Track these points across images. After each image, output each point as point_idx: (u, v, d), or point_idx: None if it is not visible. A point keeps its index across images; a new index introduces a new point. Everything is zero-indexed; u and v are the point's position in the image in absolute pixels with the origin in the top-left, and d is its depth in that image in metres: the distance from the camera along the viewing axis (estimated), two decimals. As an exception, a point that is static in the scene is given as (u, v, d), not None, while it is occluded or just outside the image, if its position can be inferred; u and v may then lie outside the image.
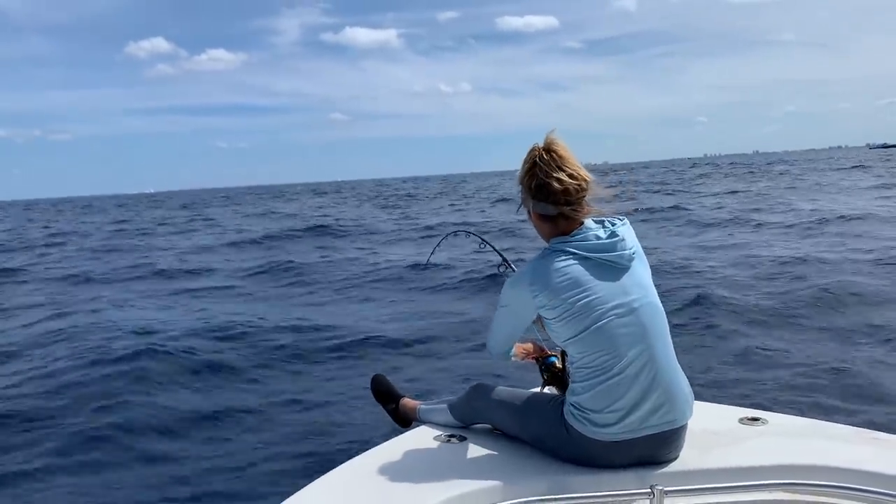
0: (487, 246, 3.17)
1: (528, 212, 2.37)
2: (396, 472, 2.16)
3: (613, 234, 2.24)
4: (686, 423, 2.26)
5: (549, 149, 2.27)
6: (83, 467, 5.24)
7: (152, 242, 25.34)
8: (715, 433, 2.43)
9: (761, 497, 2.14)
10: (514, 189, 2.40)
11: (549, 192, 2.24)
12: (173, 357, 8.02)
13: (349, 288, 12.76)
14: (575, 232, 2.26)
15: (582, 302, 2.17)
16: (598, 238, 2.23)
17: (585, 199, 2.28)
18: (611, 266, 2.22)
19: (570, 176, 2.24)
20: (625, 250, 2.23)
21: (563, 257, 2.21)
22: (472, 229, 3.34)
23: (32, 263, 19.82)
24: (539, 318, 2.31)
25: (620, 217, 2.32)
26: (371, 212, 36.97)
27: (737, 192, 32.05)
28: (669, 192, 35.96)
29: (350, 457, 2.32)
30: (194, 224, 35.95)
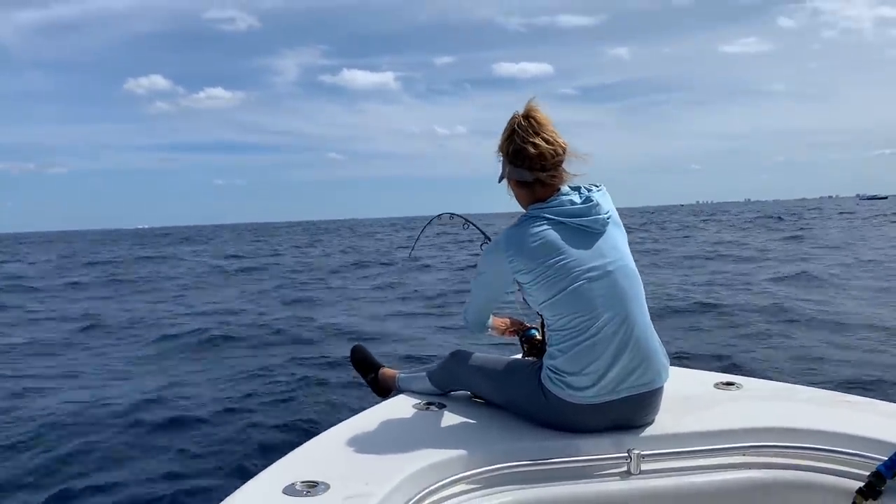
0: (471, 226, 3.19)
1: (507, 180, 2.37)
2: (375, 440, 2.15)
3: (588, 200, 2.26)
4: (662, 386, 2.27)
5: (527, 115, 2.29)
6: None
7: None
8: (690, 398, 2.44)
9: (736, 460, 2.16)
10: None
11: (525, 157, 2.26)
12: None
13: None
14: (550, 199, 2.27)
15: (557, 265, 2.18)
16: (573, 203, 2.25)
17: (562, 165, 2.29)
18: (585, 230, 2.23)
19: (546, 141, 2.25)
20: (599, 215, 2.25)
21: (539, 223, 2.23)
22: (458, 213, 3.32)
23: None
24: (519, 286, 2.31)
25: (597, 185, 2.34)
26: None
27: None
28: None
29: (329, 426, 2.31)
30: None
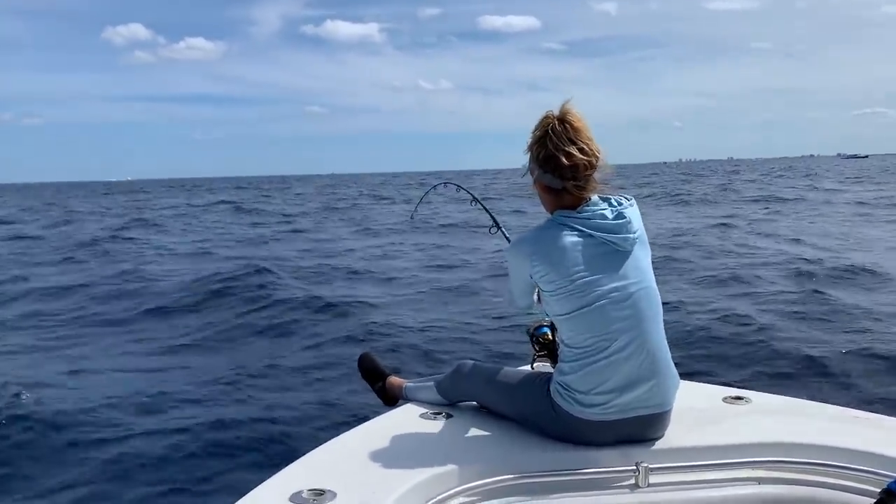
0: (478, 204, 3.12)
1: (534, 180, 2.30)
2: (381, 449, 2.16)
3: (620, 216, 2.20)
4: (672, 407, 2.27)
5: (563, 119, 2.19)
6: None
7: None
8: (699, 411, 2.45)
9: (744, 474, 2.17)
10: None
11: (557, 166, 2.18)
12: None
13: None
14: (581, 207, 2.21)
15: (580, 281, 2.15)
16: (605, 218, 2.18)
17: (593, 175, 2.22)
18: (613, 248, 2.18)
19: (582, 151, 2.17)
20: (630, 233, 2.20)
21: (568, 232, 2.17)
22: (461, 184, 3.31)
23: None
24: (537, 289, 2.30)
25: (627, 196, 2.27)
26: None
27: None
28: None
29: (336, 434, 2.32)
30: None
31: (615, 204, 2.24)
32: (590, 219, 2.18)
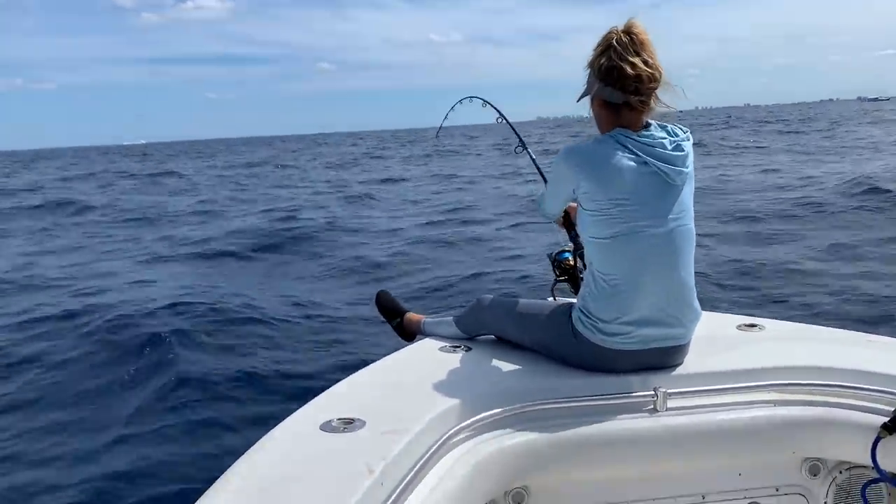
0: (504, 121, 3.09)
1: (591, 98, 2.24)
2: (405, 380, 2.20)
3: (679, 147, 2.15)
4: (691, 339, 2.29)
5: (628, 31, 2.13)
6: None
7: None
8: (715, 339, 2.48)
9: (760, 397, 2.21)
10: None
11: (619, 77, 2.11)
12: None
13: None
14: (641, 131, 2.16)
15: (625, 206, 2.11)
16: (664, 147, 2.13)
17: (655, 92, 2.15)
18: (664, 179, 2.13)
19: (646, 63, 2.10)
20: (685, 167, 2.16)
21: (623, 152, 2.12)
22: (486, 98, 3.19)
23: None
24: (576, 202, 2.26)
25: (683, 128, 2.22)
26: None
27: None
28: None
29: (355, 369, 2.35)
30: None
31: (673, 133, 2.18)
32: (649, 145, 2.13)
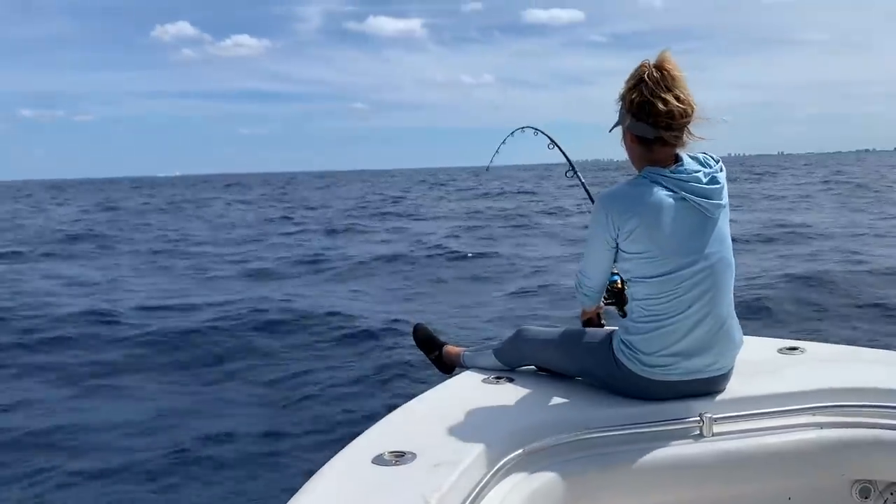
0: (556, 147, 3.16)
1: (623, 132, 2.24)
2: (452, 412, 2.20)
3: (714, 180, 2.14)
4: (733, 367, 2.28)
5: (660, 66, 2.12)
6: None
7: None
8: (757, 363, 2.48)
9: (806, 420, 2.20)
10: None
11: (651, 113, 2.10)
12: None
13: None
14: (675, 166, 2.15)
15: (667, 245, 2.11)
16: (699, 181, 2.12)
17: (688, 126, 2.14)
18: (702, 213, 2.13)
19: (678, 98, 2.10)
20: (721, 201, 2.16)
21: (661, 190, 2.11)
22: (539, 127, 3.31)
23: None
24: (615, 247, 2.21)
25: (716, 158, 2.22)
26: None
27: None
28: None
29: (401, 404, 2.36)
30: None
31: (706, 165, 2.18)
32: (685, 180, 2.12)
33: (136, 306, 10.15)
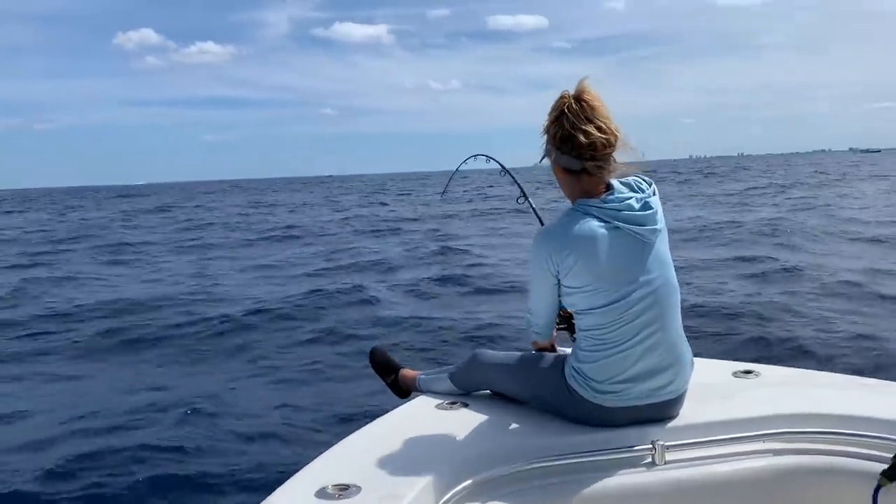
0: (507, 175, 3.15)
1: (551, 164, 2.24)
2: (401, 441, 2.16)
3: (647, 206, 2.15)
4: (686, 389, 2.27)
5: (579, 97, 2.13)
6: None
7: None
8: (710, 387, 2.47)
9: (759, 447, 2.19)
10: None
11: (574, 145, 2.11)
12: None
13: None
14: (606, 195, 2.15)
15: (608, 276, 2.10)
16: (631, 208, 2.12)
17: (612, 155, 2.15)
18: (638, 239, 2.13)
19: (599, 129, 2.10)
20: (656, 225, 2.16)
21: (595, 222, 2.10)
22: (491, 155, 3.31)
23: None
24: (557, 282, 2.21)
25: (647, 180, 2.22)
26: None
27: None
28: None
29: (351, 431, 2.31)
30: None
31: (638, 190, 2.18)
32: (617, 209, 2.12)
33: None
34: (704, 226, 18.27)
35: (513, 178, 3.12)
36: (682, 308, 2.26)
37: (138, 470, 4.84)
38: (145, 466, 4.91)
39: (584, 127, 2.10)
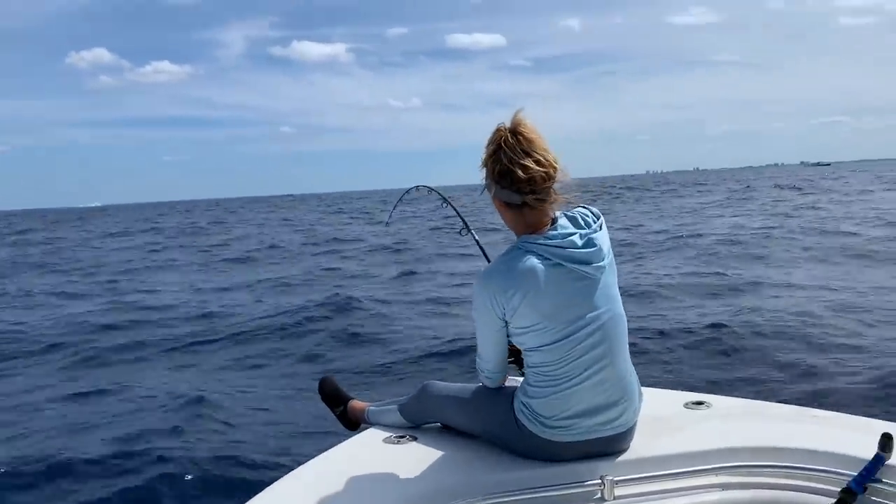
0: (448, 206, 3.11)
1: (492, 198, 2.21)
2: (345, 478, 2.10)
3: (590, 243, 2.11)
4: (636, 422, 2.25)
5: (515, 131, 2.10)
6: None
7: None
8: (661, 419, 2.45)
9: (708, 481, 2.17)
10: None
11: (513, 180, 2.08)
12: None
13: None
14: (549, 231, 2.12)
15: (554, 313, 2.08)
16: (574, 245, 2.09)
17: (552, 187, 2.12)
18: (583, 276, 2.10)
19: (537, 162, 2.07)
20: (601, 261, 2.12)
21: (538, 260, 2.07)
22: (433, 186, 3.29)
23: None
24: (504, 323, 2.17)
25: (596, 213, 2.20)
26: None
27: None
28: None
29: (298, 464, 2.26)
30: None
31: (583, 225, 2.16)
32: (560, 246, 2.08)
33: None
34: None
35: (455, 210, 3.08)
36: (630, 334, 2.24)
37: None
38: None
39: (522, 161, 2.07)
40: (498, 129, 2.14)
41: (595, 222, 2.17)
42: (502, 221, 2.23)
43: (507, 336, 2.21)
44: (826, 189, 44.68)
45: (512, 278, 2.08)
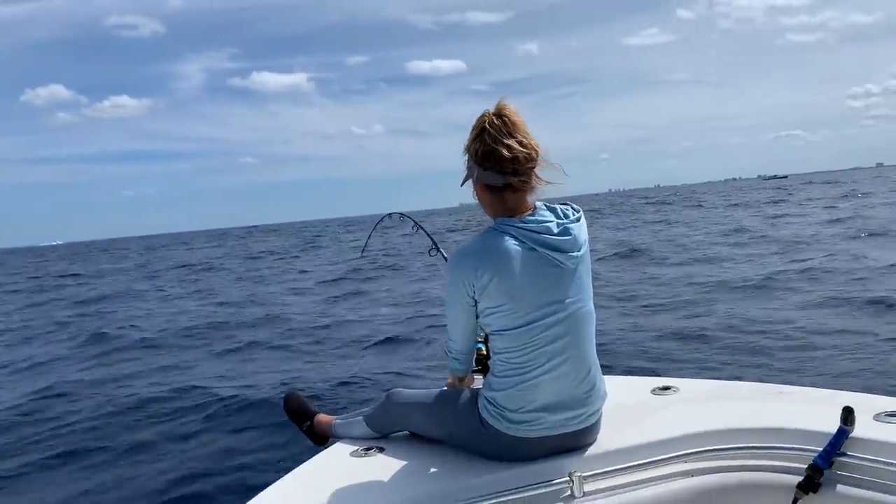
0: (419, 229, 3.19)
1: (473, 183, 2.21)
2: (314, 495, 2.05)
3: (566, 231, 2.12)
4: (601, 416, 2.24)
5: (499, 114, 2.13)
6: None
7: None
8: (628, 408, 2.44)
9: (676, 469, 2.17)
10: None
11: (497, 160, 2.10)
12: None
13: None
14: (526, 215, 2.13)
15: (522, 297, 2.07)
16: (550, 231, 2.10)
17: (535, 170, 2.14)
18: (555, 263, 2.10)
19: (521, 143, 2.09)
20: (575, 252, 2.12)
21: (512, 242, 2.08)
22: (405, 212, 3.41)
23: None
24: (474, 303, 2.17)
25: (575, 207, 2.20)
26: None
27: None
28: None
29: (265, 485, 2.19)
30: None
31: (562, 216, 2.16)
32: (535, 231, 2.09)
33: None
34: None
35: (426, 233, 3.14)
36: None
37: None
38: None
39: (506, 141, 2.09)
40: (483, 114, 2.16)
41: (574, 214, 2.19)
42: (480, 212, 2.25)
43: (476, 317, 2.20)
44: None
45: (483, 258, 2.09)
